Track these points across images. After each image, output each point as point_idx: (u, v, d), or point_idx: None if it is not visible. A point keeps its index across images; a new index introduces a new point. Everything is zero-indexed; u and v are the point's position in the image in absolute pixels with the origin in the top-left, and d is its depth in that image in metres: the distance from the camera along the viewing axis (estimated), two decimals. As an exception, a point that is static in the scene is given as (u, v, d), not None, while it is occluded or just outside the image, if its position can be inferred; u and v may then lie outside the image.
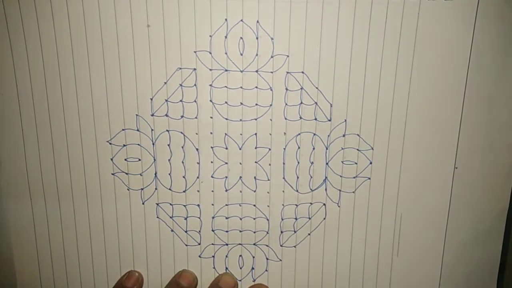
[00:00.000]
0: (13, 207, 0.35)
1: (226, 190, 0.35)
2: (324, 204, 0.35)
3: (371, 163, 0.34)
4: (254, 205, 0.35)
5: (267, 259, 0.36)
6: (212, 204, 0.35)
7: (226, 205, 0.35)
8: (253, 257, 0.36)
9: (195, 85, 0.33)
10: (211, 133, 0.34)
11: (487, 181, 0.35)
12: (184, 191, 0.35)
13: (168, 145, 0.34)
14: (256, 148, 0.34)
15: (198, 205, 0.35)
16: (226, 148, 0.34)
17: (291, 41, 0.31)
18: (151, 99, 0.33)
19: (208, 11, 0.31)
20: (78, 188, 0.35)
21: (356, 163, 0.34)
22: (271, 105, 0.33)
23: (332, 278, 0.36)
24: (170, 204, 0.35)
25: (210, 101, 0.33)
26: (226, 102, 0.33)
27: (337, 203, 0.35)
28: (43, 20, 0.32)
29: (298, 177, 0.34)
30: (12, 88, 0.33)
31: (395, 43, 0.32)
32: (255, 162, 0.34)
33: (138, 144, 0.34)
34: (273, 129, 0.33)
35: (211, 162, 0.34)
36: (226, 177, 0.35)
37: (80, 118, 0.34)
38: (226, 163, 0.34)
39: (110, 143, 0.34)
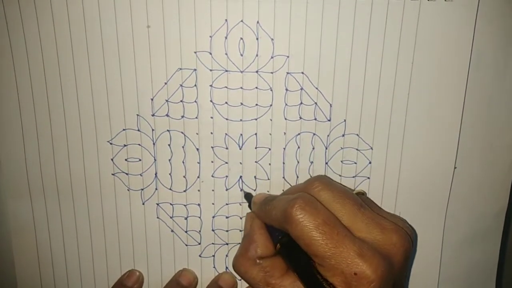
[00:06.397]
0: (13, 207, 0.35)
1: (227, 190, 0.35)
2: (324, 204, 0.35)
3: (370, 162, 0.34)
4: (254, 205, 0.35)
5: (267, 258, 0.36)
6: (213, 204, 0.35)
7: (227, 204, 0.35)
8: (253, 256, 0.36)
9: (195, 85, 0.33)
10: (211, 133, 0.34)
11: (486, 180, 0.35)
12: (184, 191, 0.35)
13: (169, 145, 0.34)
14: (256, 148, 0.34)
15: (199, 205, 0.35)
16: (227, 148, 0.34)
17: (291, 41, 0.31)
18: (152, 99, 0.33)
19: (208, 12, 0.31)
20: (78, 188, 0.35)
21: (355, 163, 0.34)
22: (271, 105, 0.33)
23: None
24: (171, 204, 0.35)
25: (211, 101, 0.33)
26: (226, 103, 0.33)
27: (337, 202, 0.35)
28: (43, 20, 0.32)
29: (298, 177, 0.34)
30: (12, 88, 0.33)
31: (395, 43, 0.31)
32: (255, 161, 0.34)
33: (139, 144, 0.34)
34: (273, 129, 0.33)
35: (212, 161, 0.34)
36: (227, 176, 0.35)
37: (81, 118, 0.34)
38: (227, 162, 0.34)
39: (111, 143, 0.34)
